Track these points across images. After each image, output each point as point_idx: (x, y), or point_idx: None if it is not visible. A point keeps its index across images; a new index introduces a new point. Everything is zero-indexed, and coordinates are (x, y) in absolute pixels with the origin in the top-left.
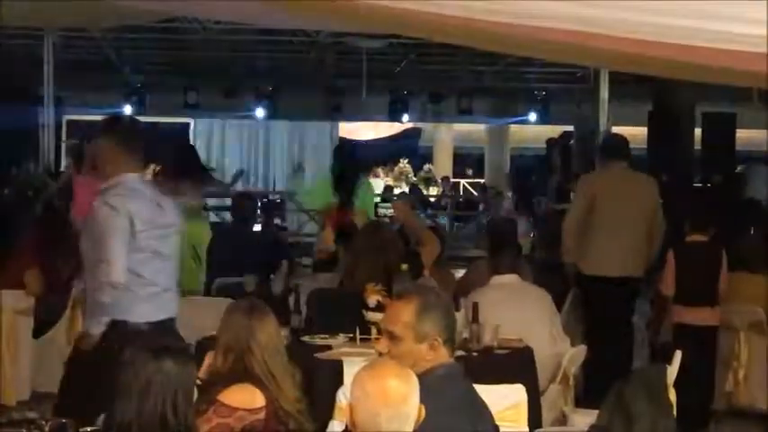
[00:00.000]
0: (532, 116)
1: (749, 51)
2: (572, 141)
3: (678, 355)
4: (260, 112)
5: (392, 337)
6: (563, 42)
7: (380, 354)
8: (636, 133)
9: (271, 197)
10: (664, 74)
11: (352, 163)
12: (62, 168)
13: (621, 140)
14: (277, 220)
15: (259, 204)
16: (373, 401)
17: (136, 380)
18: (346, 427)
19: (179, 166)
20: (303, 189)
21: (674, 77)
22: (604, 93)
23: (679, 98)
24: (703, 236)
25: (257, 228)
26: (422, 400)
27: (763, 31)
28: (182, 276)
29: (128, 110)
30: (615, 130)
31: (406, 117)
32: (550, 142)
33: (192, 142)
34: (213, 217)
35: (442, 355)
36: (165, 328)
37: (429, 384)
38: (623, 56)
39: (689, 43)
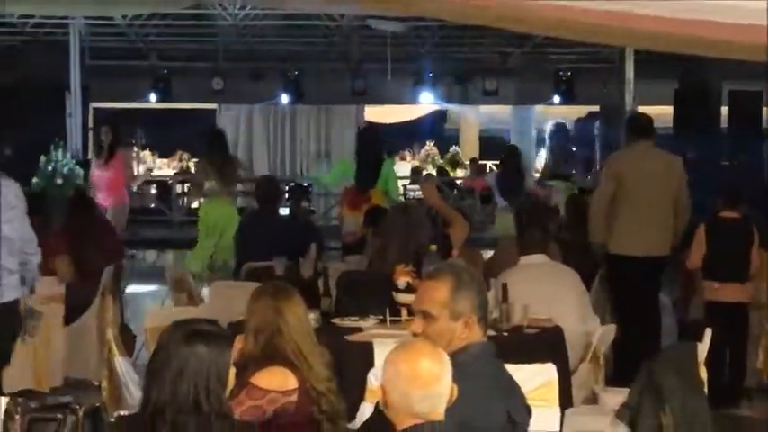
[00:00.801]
0: (558, 97)
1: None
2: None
3: (708, 332)
4: (285, 98)
5: (426, 316)
6: (585, 22)
7: (414, 334)
8: (662, 112)
9: (298, 181)
10: (673, 49)
11: (374, 145)
12: (90, 156)
13: (646, 119)
14: (305, 204)
15: (287, 188)
16: (405, 382)
17: (169, 364)
18: (377, 407)
19: (209, 152)
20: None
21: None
22: (630, 72)
23: (705, 76)
24: (735, 212)
25: (285, 211)
26: (455, 379)
27: (763, 3)
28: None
29: (153, 97)
30: (641, 109)
31: (431, 100)
32: (579, 122)
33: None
34: (240, 202)
35: (476, 334)
36: (11, 309)
37: (463, 363)
38: (633, 33)
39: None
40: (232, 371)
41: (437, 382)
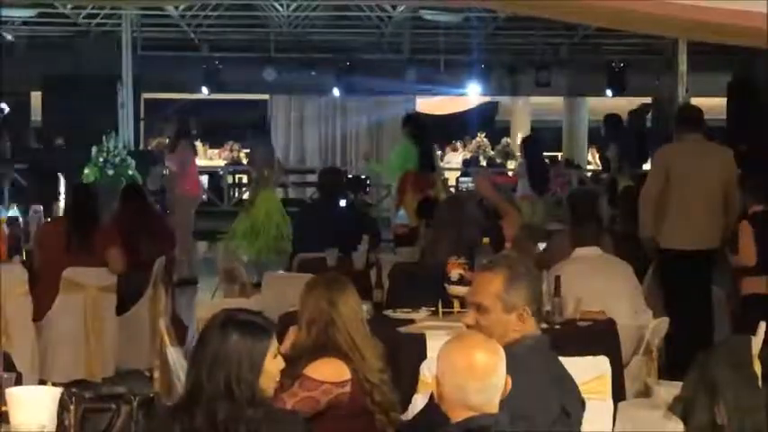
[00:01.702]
0: (609, 88)
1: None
2: (648, 114)
3: (763, 326)
4: (336, 89)
5: (480, 308)
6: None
7: (468, 326)
8: (715, 104)
9: (353, 173)
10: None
11: (426, 131)
12: (141, 146)
13: (696, 111)
14: (362, 195)
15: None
16: (461, 374)
17: (205, 351)
18: (431, 399)
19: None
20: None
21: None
22: (683, 64)
23: (758, 68)
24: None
25: (343, 203)
26: (509, 371)
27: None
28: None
29: (205, 88)
30: (694, 101)
31: (482, 91)
32: (633, 114)
33: (269, 119)
34: (291, 193)
35: (530, 326)
36: None
37: (517, 355)
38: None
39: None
40: (278, 362)
41: (492, 375)
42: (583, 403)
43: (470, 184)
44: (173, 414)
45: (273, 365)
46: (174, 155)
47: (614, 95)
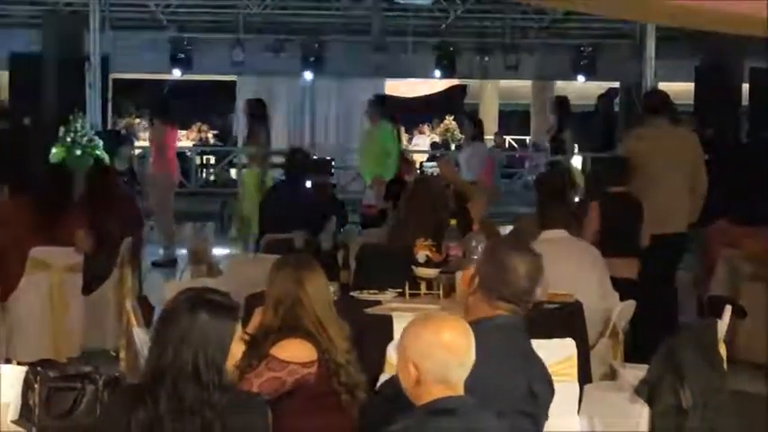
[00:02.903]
0: (578, 72)
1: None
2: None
3: (728, 309)
4: (306, 70)
5: None
6: None
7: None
8: (683, 89)
9: (319, 155)
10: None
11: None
12: (109, 126)
13: (662, 96)
14: (328, 177)
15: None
16: (444, 350)
17: (172, 330)
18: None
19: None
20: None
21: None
22: (651, 49)
23: (727, 53)
24: (623, 187)
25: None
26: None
27: None
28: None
29: (173, 68)
30: (662, 86)
31: (451, 74)
32: (601, 98)
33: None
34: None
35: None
36: None
37: (481, 333)
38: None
39: None
40: (241, 345)
41: (468, 352)
42: (552, 389)
43: (436, 169)
44: (136, 396)
45: (237, 348)
46: (151, 138)
47: (585, 81)
